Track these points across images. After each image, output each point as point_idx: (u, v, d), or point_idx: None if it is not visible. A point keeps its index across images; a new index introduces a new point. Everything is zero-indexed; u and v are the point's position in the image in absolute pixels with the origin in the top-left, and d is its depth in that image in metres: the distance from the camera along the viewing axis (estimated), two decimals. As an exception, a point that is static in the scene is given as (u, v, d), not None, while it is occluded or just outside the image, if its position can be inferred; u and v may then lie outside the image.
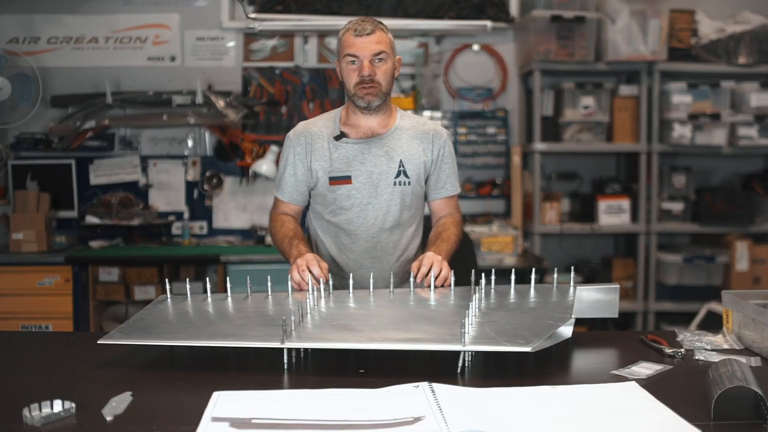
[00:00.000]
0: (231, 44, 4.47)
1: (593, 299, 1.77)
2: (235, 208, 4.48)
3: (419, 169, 2.17)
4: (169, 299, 1.88)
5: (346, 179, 2.13)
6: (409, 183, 2.15)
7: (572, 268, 2.07)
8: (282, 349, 1.55)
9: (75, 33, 4.42)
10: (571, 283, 1.91)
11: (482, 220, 4.36)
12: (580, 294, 1.77)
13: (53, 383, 1.47)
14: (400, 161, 2.14)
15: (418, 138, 2.18)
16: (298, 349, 1.61)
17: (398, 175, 2.14)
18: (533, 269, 2.01)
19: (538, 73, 4.19)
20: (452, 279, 1.99)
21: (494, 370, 1.56)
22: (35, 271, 3.86)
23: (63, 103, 4.32)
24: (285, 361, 1.57)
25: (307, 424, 1.22)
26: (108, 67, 4.40)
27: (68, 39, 4.42)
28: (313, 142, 2.16)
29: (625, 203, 4.29)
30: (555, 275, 1.97)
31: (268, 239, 4.25)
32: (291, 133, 2.22)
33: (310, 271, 1.94)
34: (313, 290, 1.84)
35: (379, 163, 2.13)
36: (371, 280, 1.98)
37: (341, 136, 2.13)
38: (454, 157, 2.26)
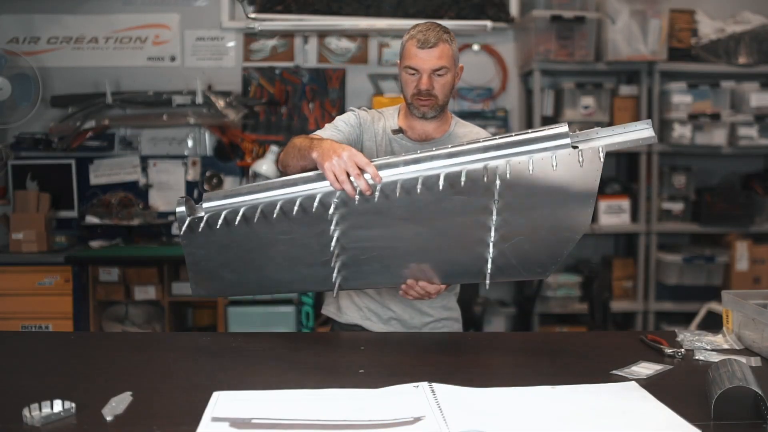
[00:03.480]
0: (231, 44, 4.47)
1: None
2: (235, 208, 4.47)
3: None
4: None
5: None
6: None
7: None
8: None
9: (75, 33, 4.42)
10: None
11: (482, 220, 4.35)
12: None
13: (53, 383, 1.47)
14: None
15: None
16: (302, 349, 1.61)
17: None
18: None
19: (538, 73, 4.19)
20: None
21: (494, 370, 1.56)
22: (35, 271, 3.86)
23: (63, 103, 4.32)
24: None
25: (307, 424, 1.22)
26: (108, 67, 4.40)
27: (68, 39, 4.42)
28: (375, 125, 2.07)
29: (625, 203, 4.28)
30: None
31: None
32: (357, 108, 2.11)
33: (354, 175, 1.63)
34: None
35: None
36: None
37: (399, 131, 2.07)
38: None
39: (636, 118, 4.27)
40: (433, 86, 1.95)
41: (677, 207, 4.34)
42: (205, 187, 4.43)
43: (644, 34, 4.11)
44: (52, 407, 1.26)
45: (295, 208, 1.64)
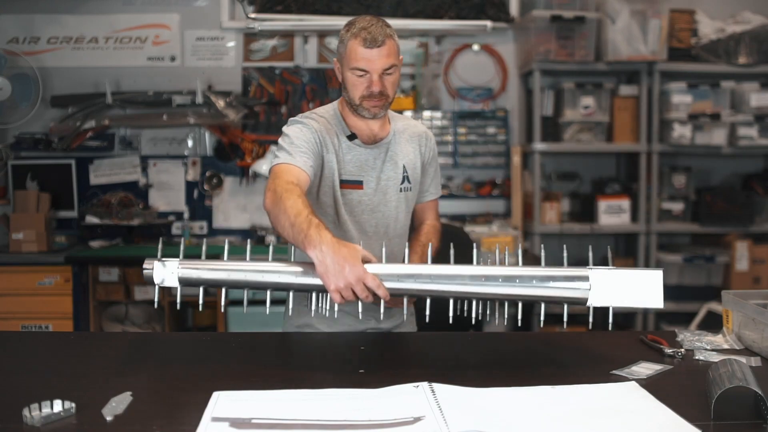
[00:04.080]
0: (231, 44, 4.47)
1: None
2: (235, 208, 4.48)
3: (417, 173, 2.09)
4: None
5: (357, 184, 1.96)
6: (410, 189, 2.07)
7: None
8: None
9: (75, 33, 4.42)
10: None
11: (482, 220, 4.36)
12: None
13: (53, 383, 1.47)
14: (404, 166, 2.02)
15: (413, 141, 2.07)
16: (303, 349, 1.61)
17: (403, 181, 2.04)
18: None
19: (538, 73, 4.19)
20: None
21: (494, 370, 1.56)
22: (35, 271, 3.86)
23: (63, 103, 4.32)
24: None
25: (307, 424, 1.22)
26: (108, 67, 4.40)
27: (68, 39, 4.42)
28: (330, 135, 1.93)
29: (625, 203, 4.28)
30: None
31: (269, 239, 4.25)
32: (302, 118, 1.93)
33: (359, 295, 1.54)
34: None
35: (387, 169, 2.00)
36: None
37: (354, 136, 1.96)
38: (438, 159, 2.19)
39: (636, 117, 4.28)
40: (385, 86, 1.86)
41: (677, 207, 4.34)
42: (205, 187, 4.43)
43: (644, 34, 4.11)
44: (52, 407, 1.25)
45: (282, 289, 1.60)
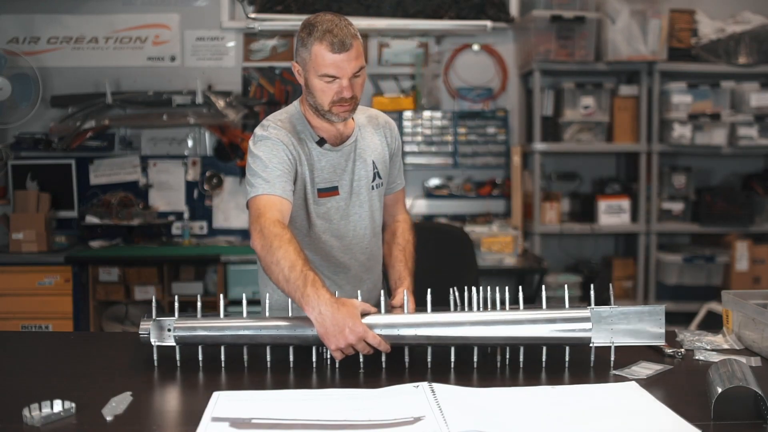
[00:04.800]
0: (231, 44, 4.47)
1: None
2: (235, 208, 4.48)
3: (386, 166, 1.98)
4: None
5: (333, 191, 1.87)
6: (381, 184, 1.99)
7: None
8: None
9: (75, 33, 4.42)
10: None
11: (482, 220, 4.36)
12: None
13: (53, 383, 1.47)
14: (373, 162, 1.93)
15: (377, 132, 1.98)
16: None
17: (374, 178, 1.94)
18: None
19: (538, 73, 4.19)
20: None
21: (494, 370, 1.56)
22: (35, 271, 3.86)
23: (63, 103, 4.32)
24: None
25: (307, 424, 1.22)
26: (108, 67, 4.40)
27: (68, 39, 4.42)
28: (300, 146, 1.83)
29: (625, 203, 4.28)
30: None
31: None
32: (269, 131, 1.81)
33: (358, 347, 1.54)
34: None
35: (358, 169, 1.92)
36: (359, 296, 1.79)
37: (323, 141, 1.86)
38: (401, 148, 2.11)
39: (636, 117, 4.28)
40: (354, 89, 1.77)
41: (677, 207, 4.34)
42: (205, 187, 4.43)
43: (644, 34, 4.11)
44: (52, 407, 1.26)
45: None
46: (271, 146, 1.79)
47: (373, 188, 1.95)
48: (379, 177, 1.96)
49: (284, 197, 1.74)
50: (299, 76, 1.82)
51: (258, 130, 1.85)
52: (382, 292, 1.79)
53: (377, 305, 1.66)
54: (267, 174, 1.75)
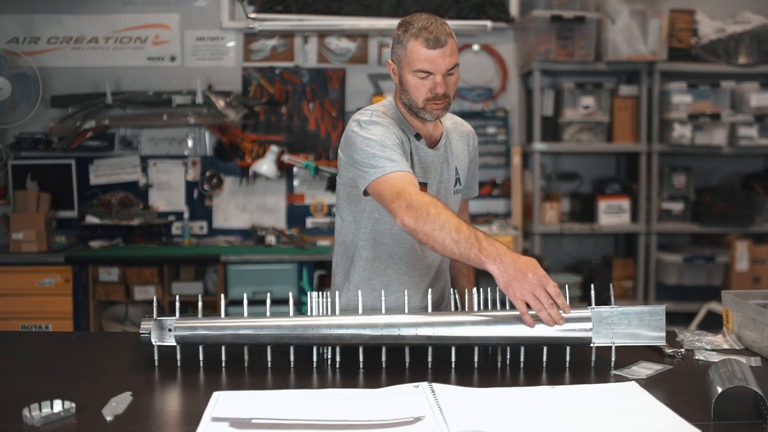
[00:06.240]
0: (231, 44, 4.47)
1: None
2: (235, 208, 4.48)
3: (466, 174, 2.03)
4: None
5: (423, 186, 1.82)
6: (461, 190, 2.02)
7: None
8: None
9: (75, 33, 4.42)
10: None
11: (482, 220, 4.36)
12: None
13: (53, 383, 1.47)
14: (456, 168, 1.96)
15: (461, 139, 2.02)
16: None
17: (456, 183, 1.97)
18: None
19: (538, 73, 4.19)
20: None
21: (494, 370, 1.56)
22: (35, 271, 3.86)
23: (63, 103, 4.32)
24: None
25: (307, 424, 1.22)
26: (108, 67, 4.40)
27: (68, 39, 4.42)
28: (401, 134, 1.83)
29: (625, 203, 4.28)
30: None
31: (269, 239, 4.25)
32: (377, 117, 1.80)
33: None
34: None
35: (445, 172, 1.94)
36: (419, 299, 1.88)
37: (419, 136, 1.88)
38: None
39: (636, 117, 4.28)
40: (447, 87, 1.78)
41: (677, 207, 4.34)
42: (205, 187, 4.43)
43: (644, 34, 4.11)
44: (52, 407, 1.25)
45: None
46: (384, 129, 1.78)
47: (455, 193, 1.98)
48: (460, 183, 1.99)
49: (413, 173, 1.73)
50: (394, 75, 1.85)
51: (362, 116, 1.83)
52: (452, 290, 1.88)
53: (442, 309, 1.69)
54: (388, 154, 1.72)
